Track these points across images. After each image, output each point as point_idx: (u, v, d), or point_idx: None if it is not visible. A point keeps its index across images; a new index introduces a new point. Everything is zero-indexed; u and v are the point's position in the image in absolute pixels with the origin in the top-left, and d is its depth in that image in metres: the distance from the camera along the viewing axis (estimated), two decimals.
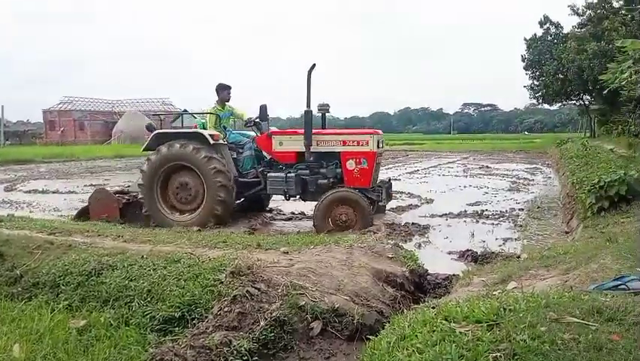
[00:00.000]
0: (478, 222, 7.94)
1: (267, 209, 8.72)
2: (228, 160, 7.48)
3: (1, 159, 23.25)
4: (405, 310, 3.13)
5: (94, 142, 42.38)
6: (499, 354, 1.85)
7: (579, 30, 27.21)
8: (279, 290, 3.28)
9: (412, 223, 7.49)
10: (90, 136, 45.47)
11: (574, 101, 31.87)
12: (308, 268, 3.72)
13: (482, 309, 2.24)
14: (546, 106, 38.44)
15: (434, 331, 2.16)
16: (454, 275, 4.51)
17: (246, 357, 2.76)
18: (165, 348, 2.78)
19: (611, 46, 20.50)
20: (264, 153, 7.80)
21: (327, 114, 7.65)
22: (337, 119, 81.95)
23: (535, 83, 30.61)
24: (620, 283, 2.62)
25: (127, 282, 3.66)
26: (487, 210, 8.85)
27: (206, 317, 3.11)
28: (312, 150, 7.23)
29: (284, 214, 8.61)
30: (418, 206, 9.49)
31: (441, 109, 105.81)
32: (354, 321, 3.20)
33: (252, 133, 8.00)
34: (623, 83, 8.96)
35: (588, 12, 26.90)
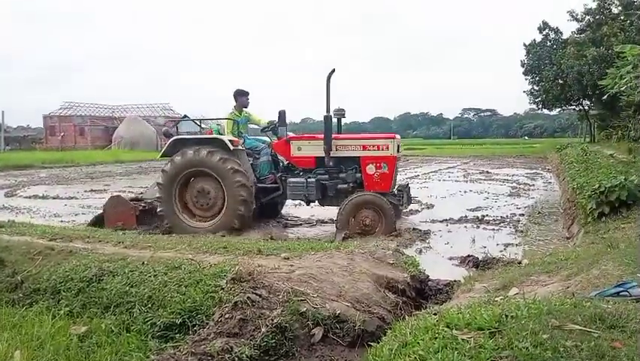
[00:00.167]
0: (478, 227, 7.93)
1: (279, 215, 8.72)
2: (247, 166, 7.48)
3: (1, 164, 23.23)
4: (406, 317, 3.12)
5: (94, 147, 42.37)
6: None
7: (578, 36, 27.26)
8: (280, 296, 3.27)
9: (413, 229, 7.48)
10: (90, 141, 45.47)
11: (573, 107, 31.83)
12: (309, 274, 3.71)
13: (484, 316, 2.23)
14: (546, 111, 38.43)
15: (436, 338, 2.16)
16: (455, 281, 4.50)
17: None
18: (166, 355, 2.78)
19: (610, 51, 20.54)
20: (280, 159, 7.83)
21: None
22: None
23: (535, 88, 30.61)
24: (621, 289, 2.61)
25: (128, 288, 3.65)
26: (487, 215, 8.85)
27: (207, 324, 3.11)
28: (331, 155, 7.25)
29: (296, 219, 8.63)
30: (419, 211, 9.48)
31: (441, 114, 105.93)
32: (356, 327, 3.20)
33: (266, 138, 8.04)
34: (623, 88, 8.98)
35: (587, 18, 26.99)
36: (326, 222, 8.25)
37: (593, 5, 26.32)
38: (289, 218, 8.72)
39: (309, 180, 7.28)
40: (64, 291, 3.83)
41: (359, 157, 7.27)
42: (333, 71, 7.10)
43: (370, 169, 7.17)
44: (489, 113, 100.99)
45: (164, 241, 5.41)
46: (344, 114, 7.65)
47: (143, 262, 4.04)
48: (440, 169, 20.44)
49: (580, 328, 2.02)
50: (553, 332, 2.00)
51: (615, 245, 4.31)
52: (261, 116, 8.38)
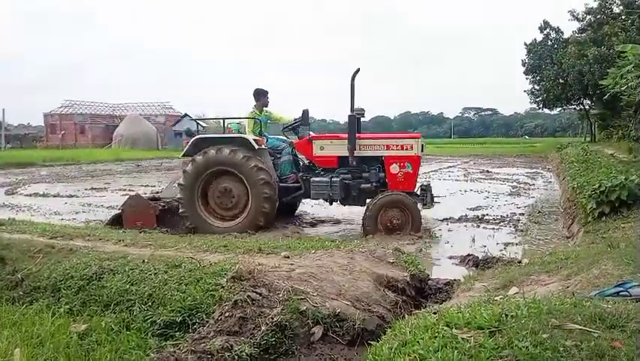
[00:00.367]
0: (479, 226, 7.94)
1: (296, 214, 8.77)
2: (270, 165, 7.48)
3: (2, 162, 23.26)
4: (406, 316, 3.12)
5: (95, 146, 42.39)
6: None
7: (579, 35, 27.25)
8: (280, 295, 3.27)
9: None
10: (91, 140, 45.51)
11: (574, 106, 31.84)
12: (309, 273, 3.71)
13: (484, 315, 2.23)
14: (546, 110, 38.41)
15: (436, 337, 2.15)
16: (455, 280, 4.51)
17: None
18: (166, 353, 2.78)
19: (611, 51, 20.55)
20: (301, 158, 7.83)
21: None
22: (337, 123, 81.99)
23: (536, 87, 30.61)
24: (621, 289, 2.61)
25: (128, 286, 3.65)
26: (487, 214, 8.85)
27: (207, 322, 3.11)
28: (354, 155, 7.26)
29: (312, 219, 8.68)
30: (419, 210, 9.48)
31: (441, 113, 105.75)
32: (356, 326, 3.20)
33: (284, 138, 8.06)
34: (623, 88, 8.97)
35: (588, 17, 26.98)
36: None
37: (594, 5, 26.35)
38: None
39: (333, 179, 7.28)
40: (64, 289, 3.84)
41: (382, 157, 7.31)
42: (358, 70, 7.08)
43: (394, 169, 7.20)
44: (489, 113, 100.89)
45: (165, 239, 5.42)
46: (364, 114, 7.65)
47: (144, 261, 4.04)
48: (440, 168, 20.43)
49: (580, 327, 2.02)
50: (553, 331, 2.00)
51: (615, 245, 4.31)
52: (282, 114, 8.38)
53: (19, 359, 2.93)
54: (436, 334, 2.19)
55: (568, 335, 1.97)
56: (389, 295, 3.81)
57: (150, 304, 3.46)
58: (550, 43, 29.62)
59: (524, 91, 31.66)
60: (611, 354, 1.83)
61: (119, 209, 7.76)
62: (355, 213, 8.24)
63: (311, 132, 7.77)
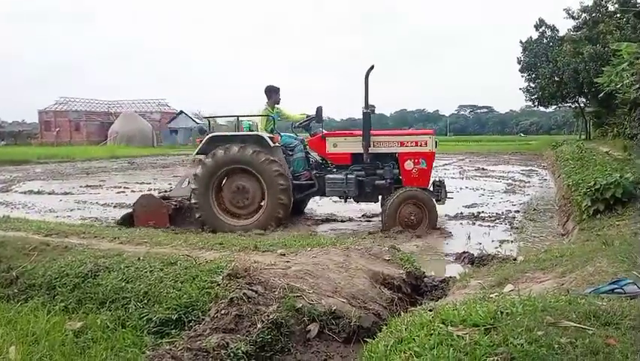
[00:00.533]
0: (474, 224, 7.95)
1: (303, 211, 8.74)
2: (284, 163, 7.45)
3: None
4: (402, 313, 3.13)
5: (89, 143, 42.26)
6: (496, 358, 1.85)
7: (575, 33, 27.29)
8: (276, 292, 3.27)
9: None
10: (86, 137, 45.38)
11: (569, 104, 31.94)
12: (305, 271, 3.72)
13: (479, 312, 2.24)
14: (542, 108, 38.49)
15: (431, 334, 2.16)
16: (450, 277, 4.51)
17: (242, 360, 2.75)
18: (162, 351, 2.78)
19: (606, 49, 20.60)
20: (313, 155, 7.82)
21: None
22: (333, 120, 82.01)
23: (531, 85, 30.69)
24: (616, 286, 2.62)
25: (123, 284, 3.64)
26: (483, 212, 8.87)
27: (203, 320, 3.10)
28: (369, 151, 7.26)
29: (323, 216, 8.67)
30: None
31: (437, 111, 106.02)
32: (352, 323, 3.20)
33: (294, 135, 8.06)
34: (619, 85, 9.01)
35: (583, 15, 27.03)
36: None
37: (590, 3, 26.40)
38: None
39: (348, 176, 7.28)
40: (59, 287, 3.82)
41: (397, 153, 7.32)
42: (372, 67, 7.08)
43: (408, 165, 7.23)
44: (485, 110, 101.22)
45: (160, 236, 5.41)
46: (374, 110, 7.65)
47: (139, 258, 4.03)
48: (436, 166, 20.38)
49: (574, 325, 2.03)
50: (547, 328, 2.00)
51: (610, 242, 4.32)
52: (293, 111, 8.35)
53: (15, 357, 2.92)
54: (432, 331, 2.19)
55: (563, 332, 1.98)
56: (385, 293, 3.82)
57: (146, 301, 3.45)
58: (545, 41, 29.68)
59: (520, 89, 31.77)
60: (606, 351, 1.84)
61: (130, 208, 7.66)
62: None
63: (323, 130, 7.78)
